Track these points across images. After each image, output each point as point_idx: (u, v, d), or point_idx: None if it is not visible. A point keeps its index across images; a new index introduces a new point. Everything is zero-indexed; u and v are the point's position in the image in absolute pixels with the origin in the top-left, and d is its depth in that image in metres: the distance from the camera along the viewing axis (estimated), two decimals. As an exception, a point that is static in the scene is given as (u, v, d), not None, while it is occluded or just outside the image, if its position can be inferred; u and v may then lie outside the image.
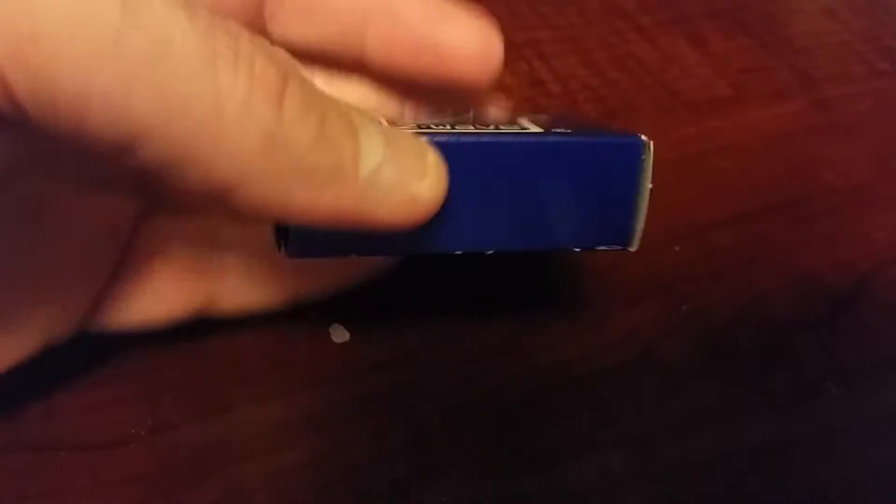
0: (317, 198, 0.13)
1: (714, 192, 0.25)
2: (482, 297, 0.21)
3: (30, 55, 0.10)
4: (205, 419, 0.18)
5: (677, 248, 0.23)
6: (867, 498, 0.18)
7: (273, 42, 0.16)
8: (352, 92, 0.18)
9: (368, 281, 0.20)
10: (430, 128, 0.15)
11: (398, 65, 0.16)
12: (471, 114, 0.18)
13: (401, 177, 0.13)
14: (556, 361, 0.20)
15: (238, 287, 0.18)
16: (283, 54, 0.14)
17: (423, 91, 0.18)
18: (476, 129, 0.16)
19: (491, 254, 0.16)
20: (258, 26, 0.17)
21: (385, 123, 0.14)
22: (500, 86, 0.18)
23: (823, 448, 0.19)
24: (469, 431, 0.18)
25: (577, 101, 0.28)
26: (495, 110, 0.19)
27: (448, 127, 0.16)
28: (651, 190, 0.17)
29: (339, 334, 0.20)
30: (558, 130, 0.16)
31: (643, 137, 0.17)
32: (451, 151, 0.14)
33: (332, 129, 0.13)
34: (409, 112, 0.18)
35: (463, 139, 0.15)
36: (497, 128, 0.16)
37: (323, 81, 0.18)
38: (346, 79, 0.18)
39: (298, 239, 0.15)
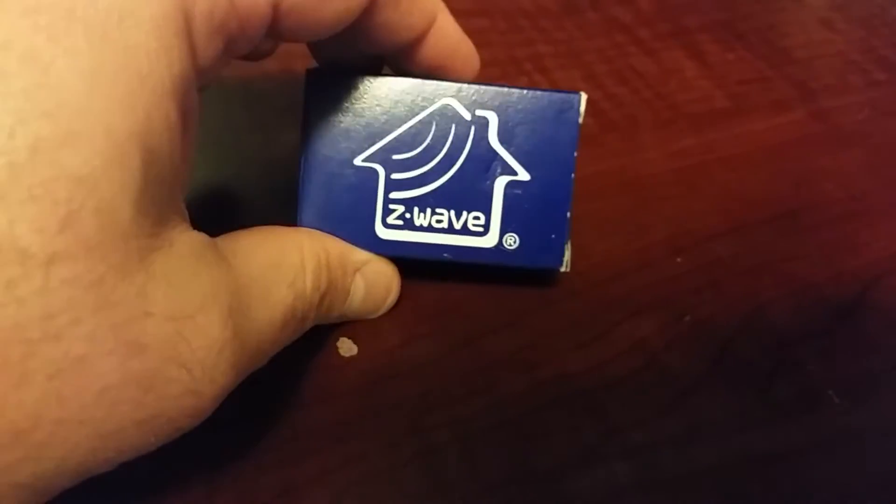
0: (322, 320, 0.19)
1: (714, 204, 0.25)
2: (488, 312, 0.22)
3: None
4: (216, 433, 0.18)
5: (679, 260, 0.23)
6: (870, 505, 0.18)
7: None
8: None
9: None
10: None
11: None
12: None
13: (370, 310, 0.21)
14: (561, 373, 0.20)
15: None
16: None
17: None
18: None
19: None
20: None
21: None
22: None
23: (826, 456, 0.19)
24: (476, 444, 0.19)
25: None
26: None
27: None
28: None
29: (347, 348, 0.20)
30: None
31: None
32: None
33: (335, 300, 0.19)
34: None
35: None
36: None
37: None
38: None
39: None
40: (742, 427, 0.19)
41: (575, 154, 0.20)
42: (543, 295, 0.22)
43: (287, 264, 0.17)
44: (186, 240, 0.14)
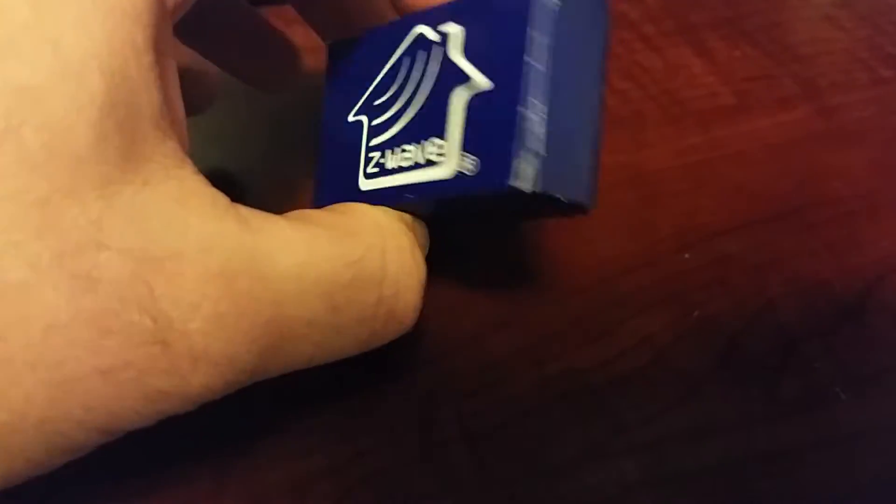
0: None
1: (721, 201, 0.25)
2: (495, 308, 0.22)
3: None
4: (226, 427, 0.18)
5: (686, 256, 0.23)
6: (876, 503, 0.18)
7: None
8: None
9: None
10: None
11: None
12: None
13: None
14: (569, 369, 0.20)
15: None
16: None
17: None
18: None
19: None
20: None
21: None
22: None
23: (833, 453, 0.19)
24: (484, 440, 0.19)
25: (584, 111, 0.29)
26: None
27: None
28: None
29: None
30: None
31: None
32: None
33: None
34: None
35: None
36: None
37: None
38: None
39: None
40: (749, 423, 0.19)
41: (537, 43, 0.15)
42: (550, 291, 0.22)
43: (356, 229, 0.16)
44: (173, 184, 0.13)
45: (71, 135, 0.11)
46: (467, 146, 0.16)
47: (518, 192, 0.15)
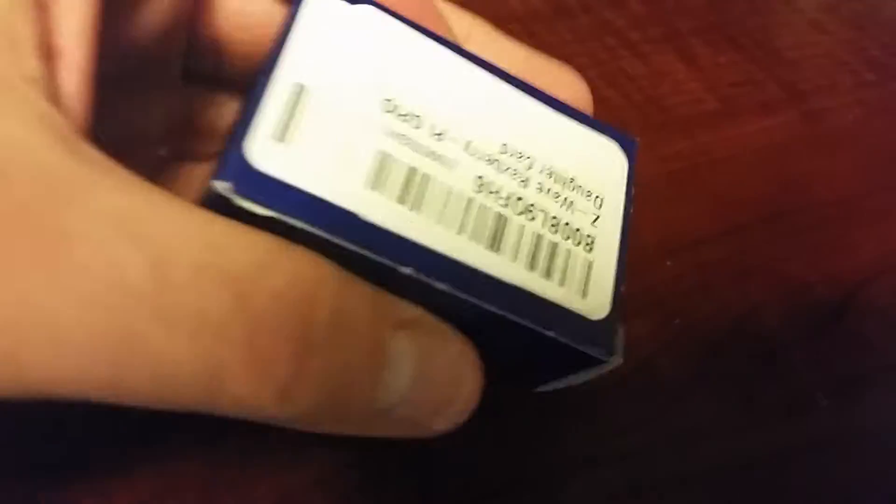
0: (315, 422, 0.11)
1: (705, 207, 0.26)
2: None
3: None
4: (216, 439, 0.19)
5: (669, 263, 0.24)
6: (858, 506, 0.19)
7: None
8: None
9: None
10: None
11: None
12: None
13: (420, 417, 0.12)
14: (552, 378, 0.20)
15: None
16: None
17: None
18: None
19: None
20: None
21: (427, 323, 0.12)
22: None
23: (815, 458, 0.19)
24: (470, 451, 0.19)
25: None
26: None
27: None
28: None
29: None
30: None
31: None
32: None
33: (354, 368, 0.11)
34: None
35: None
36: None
37: None
38: None
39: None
40: (732, 429, 0.20)
41: None
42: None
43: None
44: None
45: None
46: None
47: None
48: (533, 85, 0.15)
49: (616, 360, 0.13)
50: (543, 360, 0.14)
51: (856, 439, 0.20)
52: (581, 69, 0.31)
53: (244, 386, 0.10)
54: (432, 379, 0.12)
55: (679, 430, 0.20)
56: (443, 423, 0.12)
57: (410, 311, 0.12)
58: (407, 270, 0.12)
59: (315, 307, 0.11)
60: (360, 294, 0.11)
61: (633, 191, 0.16)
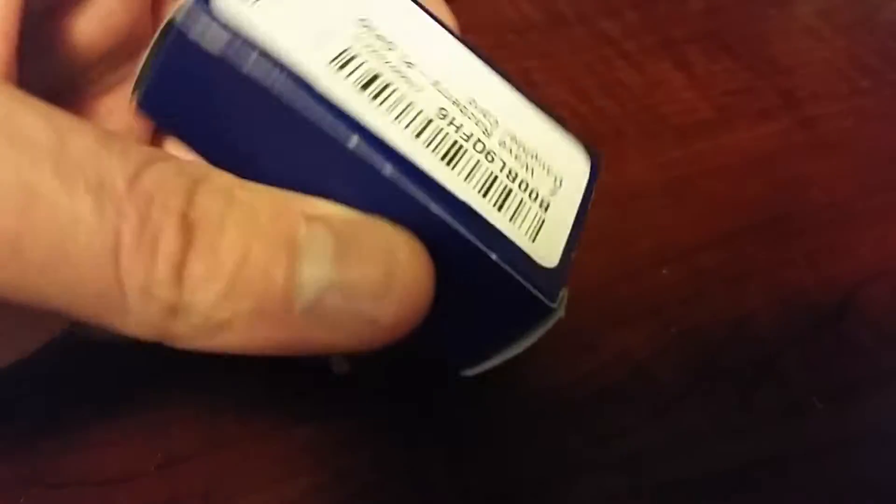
0: (246, 338, 0.10)
1: (700, 214, 0.26)
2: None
3: None
4: (212, 451, 0.19)
5: (665, 271, 0.24)
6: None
7: None
8: None
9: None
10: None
11: None
12: None
13: (357, 306, 0.10)
14: (549, 385, 0.21)
15: None
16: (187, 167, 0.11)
17: None
18: None
19: None
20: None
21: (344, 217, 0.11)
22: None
23: (810, 463, 0.19)
24: (467, 459, 0.19)
25: (566, 128, 0.29)
26: None
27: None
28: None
29: (340, 365, 0.21)
30: None
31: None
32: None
33: (254, 261, 0.10)
34: None
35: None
36: None
37: None
38: None
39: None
40: (728, 435, 0.20)
41: None
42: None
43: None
44: None
45: None
46: None
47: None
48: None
49: (557, 314, 0.12)
50: (476, 309, 0.13)
51: (852, 443, 0.20)
52: (577, 79, 0.32)
53: (137, 262, 0.10)
54: (358, 255, 0.11)
55: (677, 433, 0.20)
56: (390, 312, 0.11)
57: (323, 206, 0.11)
58: (352, 143, 0.11)
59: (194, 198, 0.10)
60: (257, 190, 0.11)
61: (589, 206, 0.14)
